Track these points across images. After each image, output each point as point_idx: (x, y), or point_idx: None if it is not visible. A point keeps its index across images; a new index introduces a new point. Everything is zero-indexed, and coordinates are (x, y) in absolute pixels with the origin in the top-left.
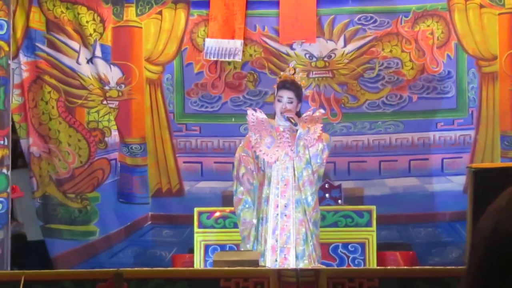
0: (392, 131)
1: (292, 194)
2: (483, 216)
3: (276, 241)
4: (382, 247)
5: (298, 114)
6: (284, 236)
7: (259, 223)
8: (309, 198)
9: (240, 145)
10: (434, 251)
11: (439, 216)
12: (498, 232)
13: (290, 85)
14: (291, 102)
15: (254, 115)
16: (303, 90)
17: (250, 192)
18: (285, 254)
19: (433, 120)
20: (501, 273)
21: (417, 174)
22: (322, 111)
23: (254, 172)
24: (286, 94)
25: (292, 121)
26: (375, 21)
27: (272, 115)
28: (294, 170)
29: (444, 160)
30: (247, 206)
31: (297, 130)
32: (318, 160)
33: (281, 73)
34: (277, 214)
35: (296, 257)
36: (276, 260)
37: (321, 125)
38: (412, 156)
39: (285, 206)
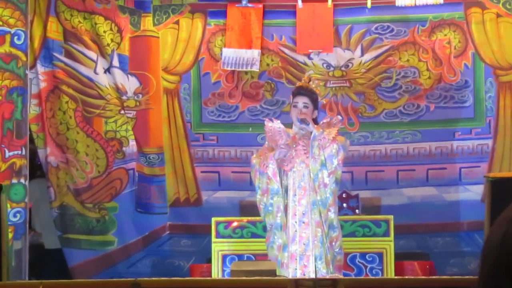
0: (409, 141)
1: (309, 199)
2: (493, 225)
3: (296, 249)
4: (400, 256)
5: (315, 122)
6: (303, 244)
7: (283, 231)
8: (324, 200)
9: (254, 155)
10: (452, 261)
11: (457, 225)
12: (507, 242)
13: (305, 91)
14: (307, 107)
15: (271, 125)
16: (320, 98)
17: (278, 177)
18: (304, 262)
19: (451, 130)
20: (510, 283)
21: (435, 184)
22: (339, 117)
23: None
24: (301, 100)
25: (306, 121)
26: (392, 30)
27: (289, 125)
28: (310, 175)
29: (462, 170)
30: (276, 194)
31: (311, 133)
32: (334, 161)
33: (297, 83)
34: (296, 222)
35: (315, 259)
36: (296, 269)
37: (337, 128)
38: (430, 165)
39: (303, 213)
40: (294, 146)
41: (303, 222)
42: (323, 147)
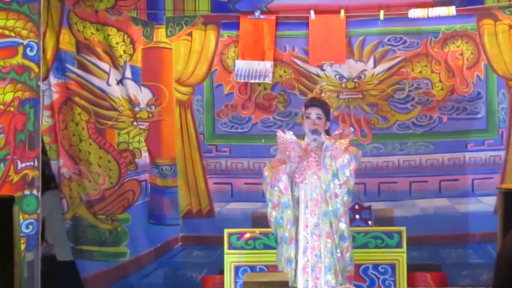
0: (422, 152)
1: (320, 210)
2: (506, 237)
3: (307, 260)
4: (412, 268)
5: (328, 133)
6: (315, 256)
7: (290, 245)
8: (335, 211)
9: (266, 166)
10: (464, 273)
11: (470, 237)
12: None
13: (317, 102)
14: (320, 118)
15: (283, 137)
16: (332, 110)
17: (289, 191)
18: (316, 274)
19: (463, 141)
20: None
21: (448, 195)
22: (351, 129)
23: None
24: (314, 111)
25: (317, 132)
26: (405, 42)
27: (302, 136)
28: (322, 186)
29: (475, 181)
30: (286, 207)
31: (323, 144)
32: (346, 171)
33: (308, 95)
34: (307, 234)
35: (324, 269)
36: (307, 280)
37: (349, 139)
38: (443, 177)
39: (315, 225)
40: (306, 157)
41: (315, 234)
42: (335, 157)
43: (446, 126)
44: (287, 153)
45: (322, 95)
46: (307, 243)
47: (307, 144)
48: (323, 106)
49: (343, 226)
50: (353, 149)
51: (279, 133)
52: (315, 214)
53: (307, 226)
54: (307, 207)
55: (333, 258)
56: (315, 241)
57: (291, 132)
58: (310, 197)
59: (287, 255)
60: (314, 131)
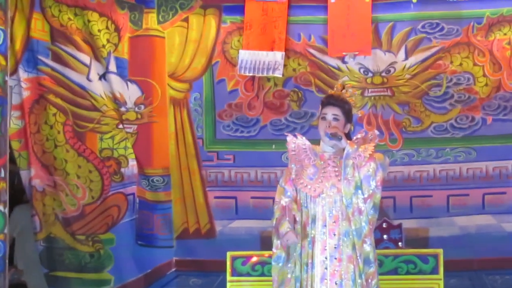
0: (462, 160)
1: (341, 229)
2: None
3: None
4: None
5: (348, 138)
6: (335, 284)
7: (303, 271)
8: (359, 230)
9: (280, 182)
10: None
11: None
12: None
13: (335, 100)
14: (337, 120)
15: (295, 142)
16: (355, 111)
17: (289, 249)
18: None
19: (511, 147)
20: None
21: (493, 211)
22: (376, 132)
23: (299, 226)
24: (331, 111)
25: (337, 136)
26: (442, 28)
27: (317, 141)
28: (343, 200)
29: None
30: (279, 263)
31: (343, 150)
32: (372, 183)
33: (329, 91)
34: (325, 258)
35: None
36: None
37: (374, 144)
38: (487, 189)
39: (335, 247)
40: (323, 167)
41: (335, 258)
42: (358, 166)
43: (491, 129)
44: (301, 161)
45: (343, 92)
46: (325, 268)
47: (323, 151)
48: (342, 105)
49: (368, 248)
50: (380, 156)
51: (289, 137)
52: (334, 235)
53: (326, 249)
54: (325, 226)
55: (355, 286)
56: (336, 266)
57: (303, 137)
58: (329, 214)
59: None
60: (333, 135)
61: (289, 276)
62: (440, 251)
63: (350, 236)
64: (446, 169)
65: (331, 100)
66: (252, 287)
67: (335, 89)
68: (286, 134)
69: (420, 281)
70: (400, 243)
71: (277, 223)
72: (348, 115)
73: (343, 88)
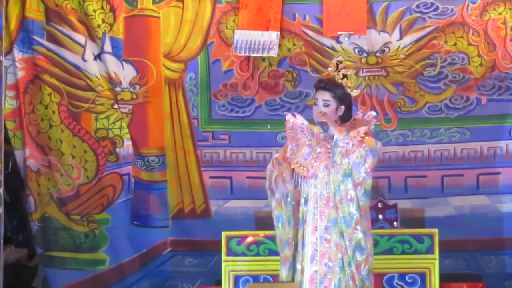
0: (457, 140)
1: (329, 217)
2: None
3: (316, 271)
4: (445, 278)
5: (345, 119)
6: (324, 265)
7: (295, 249)
8: (348, 218)
9: (275, 156)
10: (507, 284)
11: None
12: None
13: (325, 84)
14: (327, 105)
15: (293, 121)
16: (350, 90)
17: (286, 204)
18: (325, 286)
19: (506, 127)
20: None
21: (487, 192)
22: (373, 113)
23: (290, 182)
24: (321, 96)
25: (325, 125)
26: (437, 8)
27: (315, 122)
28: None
29: None
30: (280, 222)
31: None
32: (361, 170)
33: (324, 72)
34: (316, 239)
35: (334, 286)
36: None
37: (366, 127)
38: (481, 169)
39: (325, 228)
40: (318, 147)
41: (325, 239)
42: (347, 153)
43: (486, 109)
44: (298, 140)
45: (336, 73)
46: (316, 249)
47: (320, 132)
48: (333, 89)
49: (359, 235)
50: (370, 142)
51: (288, 116)
52: (324, 216)
53: (316, 230)
54: (316, 207)
55: (343, 274)
56: (325, 248)
57: (301, 116)
58: (320, 195)
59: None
60: (321, 124)
61: (290, 236)
62: (435, 231)
63: (338, 224)
64: (441, 149)
65: (321, 84)
66: (248, 266)
67: (329, 69)
68: (283, 114)
69: (415, 260)
70: (395, 223)
71: (269, 179)
72: (340, 99)
73: (337, 66)
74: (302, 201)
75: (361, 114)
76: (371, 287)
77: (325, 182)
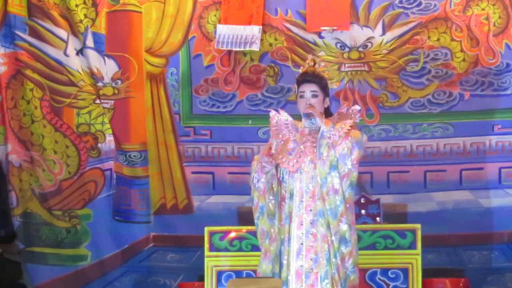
0: (440, 135)
1: (316, 209)
2: None
3: (301, 265)
4: (428, 273)
5: (329, 113)
6: (310, 260)
7: (281, 244)
8: (334, 209)
9: (260, 153)
10: (490, 279)
11: (496, 236)
12: None
13: (311, 77)
14: (316, 96)
15: (277, 117)
16: (330, 84)
17: (269, 195)
18: (312, 281)
19: (489, 122)
20: None
21: (470, 187)
22: (357, 107)
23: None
24: (309, 88)
25: (312, 116)
26: (420, 3)
27: (298, 117)
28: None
29: (502, 170)
30: (261, 213)
31: (319, 129)
32: (347, 162)
33: (300, 67)
34: (302, 233)
35: (320, 279)
36: None
37: (352, 121)
38: (464, 165)
39: (311, 223)
40: (302, 142)
41: (311, 233)
42: (334, 145)
43: (469, 105)
44: (282, 136)
45: (316, 67)
46: (301, 244)
47: (304, 127)
48: (319, 81)
49: (344, 227)
50: (356, 134)
51: (272, 113)
52: (310, 210)
53: (302, 224)
54: (302, 201)
55: (329, 266)
56: (311, 242)
57: (285, 112)
58: (306, 189)
59: (262, 273)
60: (308, 116)
61: (272, 231)
62: (418, 226)
63: (325, 216)
64: (423, 145)
65: (307, 77)
66: (230, 262)
67: (306, 64)
68: (265, 109)
69: (398, 256)
70: (378, 218)
71: (254, 172)
72: (325, 90)
73: (315, 63)
74: (288, 195)
75: (346, 108)
76: (357, 280)
77: (311, 176)
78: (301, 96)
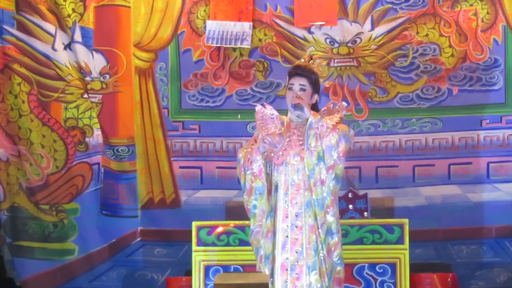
0: (428, 130)
1: (303, 199)
2: None
3: (287, 258)
4: (416, 268)
5: (316, 109)
6: (295, 252)
7: (266, 238)
8: (321, 200)
9: (242, 148)
10: (478, 274)
11: (485, 231)
12: None
13: (302, 71)
14: (304, 90)
15: (263, 112)
16: (322, 80)
17: (264, 174)
18: (296, 273)
19: (477, 117)
20: None
21: (458, 182)
22: (344, 103)
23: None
24: (298, 81)
25: (300, 106)
26: None
27: (284, 112)
28: (305, 171)
29: (490, 165)
30: (260, 193)
31: (307, 122)
32: (333, 153)
33: (297, 61)
34: (287, 226)
35: (308, 270)
36: (286, 281)
37: (339, 115)
38: (452, 159)
39: (296, 215)
40: (288, 135)
41: (296, 226)
42: (321, 136)
43: (457, 100)
44: (268, 130)
45: (311, 63)
46: (287, 236)
47: (290, 120)
48: (309, 76)
49: (330, 218)
50: (343, 128)
51: (258, 107)
52: (296, 203)
53: (287, 217)
54: (287, 194)
55: (317, 257)
56: (296, 235)
57: (271, 106)
58: (291, 182)
59: (263, 251)
60: (297, 106)
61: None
62: (405, 221)
63: (312, 207)
64: (412, 139)
65: (298, 71)
66: (218, 256)
67: (302, 59)
68: (254, 104)
69: (385, 251)
70: (365, 213)
71: (246, 157)
72: (315, 86)
73: (311, 58)
74: (273, 188)
75: (332, 104)
76: (342, 271)
77: (296, 169)
78: (290, 88)
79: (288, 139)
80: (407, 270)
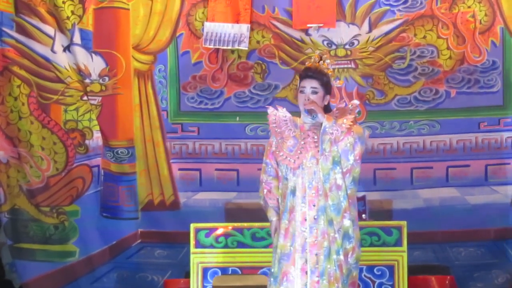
0: (426, 133)
1: (320, 202)
2: None
3: (306, 261)
4: (414, 270)
5: (328, 109)
6: (315, 256)
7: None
8: (338, 205)
9: (264, 158)
10: (476, 275)
11: (483, 233)
12: None
13: (313, 73)
14: (316, 93)
15: (275, 114)
16: (333, 81)
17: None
18: (317, 276)
19: (475, 120)
20: None
21: (456, 184)
22: (356, 102)
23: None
24: (309, 84)
25: (313, 113)
26: (406, 1)
27: (297, 114)
28: (321, 176)
29: (488, 167)
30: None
31: (321, 125)
32: (350, 157)
33: (307, 62)
34: (305, 229)
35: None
36: (306, 285)
37: (353, 116)
38: (450, 162)
39: (315, 218)
40: (303, 138)
41: (315, 229)
42: (336, 141)
43: (455, 102)
44: (282, 133)
45: (321, 63)
46: (305, 239)
47: (304, 123)
48: (320, 77)
49: (347, 223)
50: (358, 130)
51: (270, 110)
52: (314, 206)
53: (305, 220)
54: (304, 197)
55: (327, 263)
56: (315, 238)
57: (284, 108)
58: (309, 185)
59: (280, 250)
60: (309, 112)
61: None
62: (404, 223)
63: (327, 212)
64: (410, 142)
65: (309, 73)
66: (216, 259)
67: (312, 60)
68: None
69: (383, 253)
70: (364, 215)
71: (263, 205)
72: (326, 87)
73: (321, 59)
74: (289, 192)
75: (344, 103)
76: (357, 276)
77: (313, 172)
78: (302, 91)
79: (303, 142)
80: (405, 272)
